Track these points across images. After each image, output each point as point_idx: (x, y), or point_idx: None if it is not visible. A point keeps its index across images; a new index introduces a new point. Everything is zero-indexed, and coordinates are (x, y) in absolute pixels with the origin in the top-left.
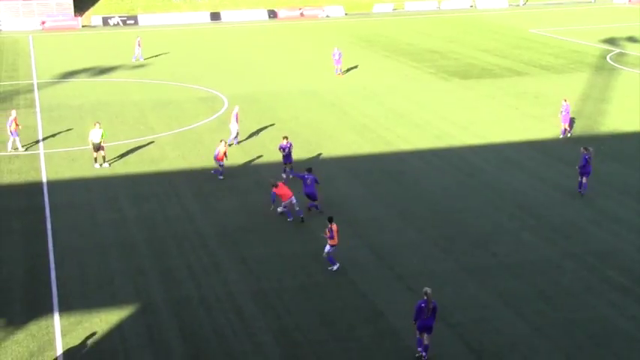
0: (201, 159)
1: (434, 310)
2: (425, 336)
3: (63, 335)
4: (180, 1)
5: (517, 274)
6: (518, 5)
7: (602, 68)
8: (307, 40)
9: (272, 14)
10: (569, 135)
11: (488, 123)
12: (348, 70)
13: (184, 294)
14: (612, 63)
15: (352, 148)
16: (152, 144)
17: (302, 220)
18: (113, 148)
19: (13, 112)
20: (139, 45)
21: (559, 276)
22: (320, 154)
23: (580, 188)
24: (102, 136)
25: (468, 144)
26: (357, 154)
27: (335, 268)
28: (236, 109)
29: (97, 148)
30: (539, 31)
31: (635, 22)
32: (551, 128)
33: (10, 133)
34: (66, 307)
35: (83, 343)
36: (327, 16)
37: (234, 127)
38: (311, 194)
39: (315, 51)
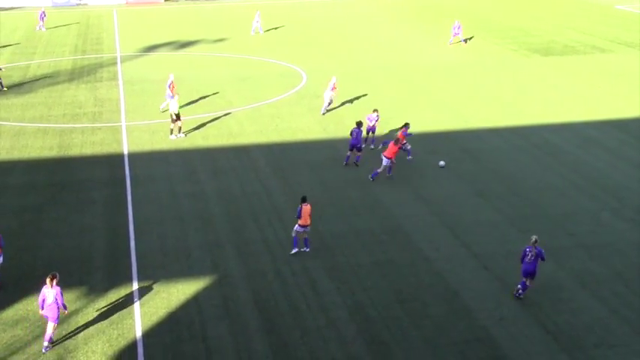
0: (279, 133)
1: (537, 256)
2: (528, 280)
3: (141, 305)
4: None
5: (595, 256)
6: None
7: None
8: (368, 15)
9: None
10: None
11: (569, 101)
12: (420, 46)
13: (260, 267)
14: None
15: (429, 124)
16: (230, 118)
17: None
18: (192, 121)
19: (171, 76)
20: (258, 18)
21: (639, 258)
22: (397, 131)
23: None
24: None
25: (548, 122)
26: (435, 130)
27: (293, 251)
28: (333, 79)
29: (176, 118)
30: (625, 7)
31: None
32: (633, 107)
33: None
34: (144, 277)
35: (160, 312)
36: None
37: (327, 95)
38: (356, 144)
39: (378, 25)
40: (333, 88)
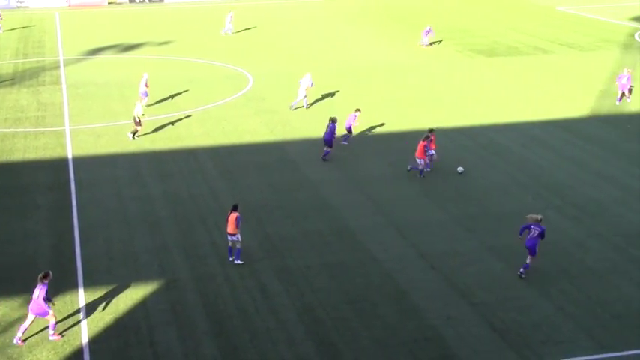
0: (225, 136)
1: (539, 234)
2: (528, 257)
3: (87, 311)
4: None
5: (541, 254)
6: None
7: (630, 47)
8: (330, 17)
9: None
10: (627, 101)
11: (514, 101)
12: (370, 47)
13: (208, 271)
14: None
15: (377, 125)
16: (177, 121)
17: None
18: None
19: (145, 75)
20: (230, 20)
21: (583, 255)
22: (347, 133)
23: None
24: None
25: (494, 122)
26: (383, 131)
27: (229, 259)
28: (308, 75)
29: (138, 121)
30: (566, 9)
31: None
32: (576, 107)
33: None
34: (90, 283)
35: (107, 318)
36: None
37: (301, 92)
38: (327, 141)
39: (339, 27)
40: (308, 85)
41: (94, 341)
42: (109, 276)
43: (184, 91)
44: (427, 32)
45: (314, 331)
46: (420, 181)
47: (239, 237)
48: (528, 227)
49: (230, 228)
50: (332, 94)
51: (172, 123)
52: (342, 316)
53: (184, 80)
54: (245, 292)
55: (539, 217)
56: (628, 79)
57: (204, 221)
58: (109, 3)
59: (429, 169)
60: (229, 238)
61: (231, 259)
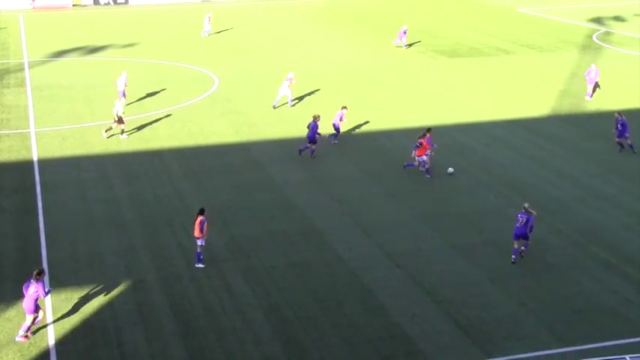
0: (191, 137)
1: (527, 222)
2: (519, 242)
3: (54, 312)
4: None
5: (504, 251)
6: None
7: (589, 47)
8: (297, 21)
9: None
10: (591, 99)
11: (476, 101)
12: (336, 50)
13: (175, 272)
14: (598, 42)
15: (344, 125)
16: (143, 123)
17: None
18: (104, 126)
19: (124, 74)
20: (209, 21)
21: (544, 252)
22: (335, 131)
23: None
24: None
25: (457, 122)
26: (346, 132)
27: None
28: (290, 75)
29: (119, 120)
30: (526, 11)
31: (620, 2)
32: (538, 106)
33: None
34: (57, 285)
35: (74, 320)
36: None
37: (282, 91)
38: (311, 138)
39: (305, 31)
40: (289, 84)
41: (60, 343)
42: (76, 278)
43: (150, 93)
44: (405, 32)
45: (280, 331)
46: (385, 181)
47: (202, 242)
48: (517, 217)
49: (195, 231)
50: (301, 98)
51: (138, 125)
52: (308, 315)
53: (149, 82)
54: (211, 293)
55: (526, 205)
56: (596, 73)
57: (170, 223)
58: (73, 5)
59: (412, 167)
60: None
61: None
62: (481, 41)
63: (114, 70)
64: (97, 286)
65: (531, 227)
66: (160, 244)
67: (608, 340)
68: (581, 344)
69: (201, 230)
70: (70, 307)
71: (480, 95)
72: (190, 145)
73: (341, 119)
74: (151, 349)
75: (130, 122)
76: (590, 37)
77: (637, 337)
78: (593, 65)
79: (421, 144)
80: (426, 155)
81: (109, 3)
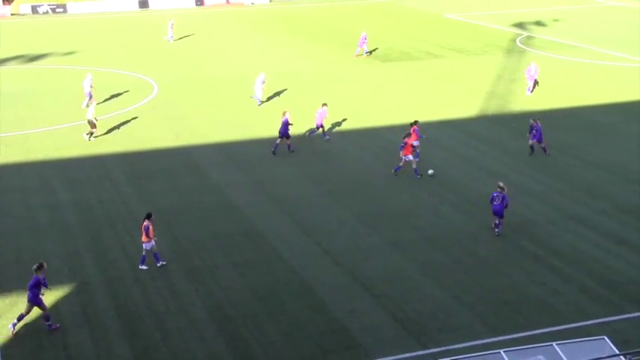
0: (132, 142)
1: (503, 199)
2: (497, 218)
3: None
4: None
5: (437, 246)
6: None
7: (513, 51)
8: (234, 27)
9: (199, 2)
10: (531, 94)
11: (409, 104)
12: (273, 56)
13: (119, 274)
14: (521, 46)
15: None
16: (84, 129)
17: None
18: (45, 133)
19: (89, 75)
20: (171, 27)
21: (476, 247)
22: (250, 136)
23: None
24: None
25: (390, 124)
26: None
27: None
28: (262, 75)
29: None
30: (453, 16)
31: (542, 7)
32: (467, 108)
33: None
34: (1, 290)
35: (20, 323)
36: (253, 4)
37: (258, 89)
38: (283, 134)
39: (242, 37)
40: (262, 83)
41: (6, 346)
42: (21, 282)
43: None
44: (365, 38)
45: (224, 329)
46: (323, 182)
47: (147, 246)
48: (493, 195)
49: (142, 236)
50: (235, 101)
51: (78, 131)
52: (250, 313)
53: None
54: (155, 293)
55: (501, 183)
56: (536, 70)
57: (113, 226)
58: (12, 14)
59: (400, 169)
60: (149, 246)
61: (159, 263)
62: (411, 46)
63: (55, 78)
64: (42, 290)
65: (507, 204)
66: (103, 248)
67: (538, 328)
68: (512, 333)
69: (147, 235)
70: (15, 310)
71: (411, 98)
72: (132, 150)
73: (323, 116)
74: (97, 350)
75: (72, 129)
76: (514, 41)
77: (564, 325)
78: (532, 63)
79: (406, 144)
80: (412, 154)
81: (47, 12)
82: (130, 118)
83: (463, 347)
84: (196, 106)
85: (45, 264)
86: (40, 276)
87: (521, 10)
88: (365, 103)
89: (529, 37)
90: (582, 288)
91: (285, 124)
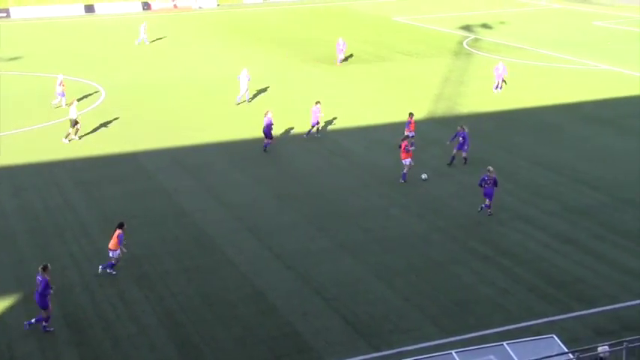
0: (79, 148)
1: (494, 183)
2: (487, 200)
3: None
4: None
5: (388, 249)
6: None
7: (460, 53)
8: (181, 31)
9: (146, 6)
10: (499, 90)
11: (358, 106)
12: (221, 59)
13: (67, 282)
14: (468, 48)
15: (229, 133)
16: (31, 135)
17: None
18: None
19: (60, 76)
20: (144, 30)
21: (427, 248)
22: (199, 140)
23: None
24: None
25: (339, 127)
26: (234, 139)
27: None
28: (245, 71)
29: (75, 123)
30: (402, 19)
31: (488, 10)
32: (416, 110)
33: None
34: None
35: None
36: (200, 8)
37: (242, 87)
38: (267, 133)
39: (190, 42)
40: (247, 80)
41: None
42: None
43: (36, 106)
44: (344, 44)
45: (175, 335)
46: (273, 186)
47: (115, 254)
48: (484, 179)
49: (110, 244)
50: (183, 106)
51: (25, 137)
52: (202, 319)
53: (34, 95)
54: (105, 301)
55: (490, 168)
56: (504, 69)
57: (61, 234)
58: None
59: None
60: (115, 254)
61: (110, 271)
62: (360, 48)
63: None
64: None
65: (496, 183)
66: (51, 255)
67: (488, 328)
68: (464, 334)
69: (119, 243)
70: None
71: (360, 100)
72: (79, 156)
73: (318, 114)
74: None
75: (18, 135)
76: (461, 43)
77: (514, 324)
78: (500, 62)
79: (400, 147)
80: (410, 159)
81: None
82: (79, 123)
83: (415, 349)
84: (144, 111)
85: (49, 265)
86: (46, 277)
87: (468, 13)
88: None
89: (476, 40)
90: (531, 287)
91: (268, 124)
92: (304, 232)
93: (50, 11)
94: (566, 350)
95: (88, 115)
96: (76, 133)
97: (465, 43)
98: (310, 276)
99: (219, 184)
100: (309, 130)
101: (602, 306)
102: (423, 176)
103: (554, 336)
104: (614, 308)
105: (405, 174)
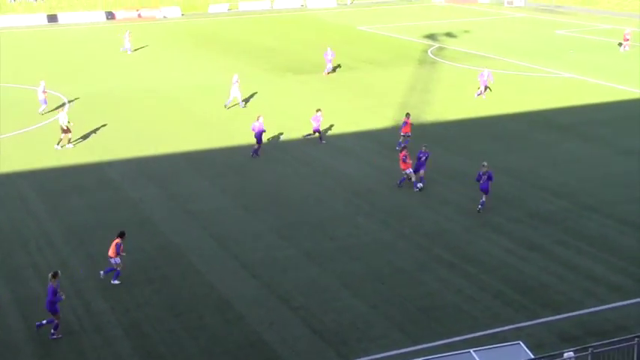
0: (42, 159)
1: (489, 177)
2: (484, 196)
3: None
4: (15, 3)
5: (354, 257)
6: (345, 4)
7: (425, 61)
8: (145, 41)
9: (110, 16)
10: (483, 97)
11: (324, 116)
12: (186, 69)
13: (31, 293)
14: (433, 57)
15: (195, 143)
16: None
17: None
18: None
19: (42, 83)
20: (128, 38)
21: (393, 256)
22: (163, 149)
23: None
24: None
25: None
26: (200, 148)
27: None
28: (235, 76)
29: (66, 129)
30: (366, 28)
31: (451, 19)
32: (381, 119)
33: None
34: None
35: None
36: (165, 17)
37: (233, 93)
38: (258, 139)
39: (154, 51)
40: (236, 84)
41: None
42: None
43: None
44: (332, 54)
45: (141, 346)
46: (239, 195)
47: (116, 261)
48: (480, 175)
49: (110, 251)
50: (148, 115)
51: None
52: (168, 329)
53: None
54: (70, 312)
55: (485, 163)
56: (489, 75)
57: (25, 245)
58: None
59: (403, 181)
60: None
61: (111, 278)
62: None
63: None
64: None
65: (491, 177)
66: (14, 267)
67: (455, 335)
68: (431, 341)
69: (117, 252)
70: None
71: (326, 109)
72: (43, 167)
73: (318, 121)
74: None
75: None
76: (426, 52)
77: (481, 331)
78: (485, 69)
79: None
80: (410, 169)
81: None
82: (38, 135)
83: (383, 357)
84: (108, 120)
85: (59, 272)
86: (55, 284)
87: (433, 22)
88: (279, 115)
89: (440, 48)
90: (497, 294)
91: (259, 130)
92: (270, 240)
93: (12, 21)
94: (533, 357)
95: (52, 125)
96: (69, 141)
97: (429, 52)
98: (277, 285)
99: (184, 193)
100: (320, 137)
101: (567, 312)
102: (419, 185)
103: (521, 342)
104: (579, 314)
105: (402, 180)
